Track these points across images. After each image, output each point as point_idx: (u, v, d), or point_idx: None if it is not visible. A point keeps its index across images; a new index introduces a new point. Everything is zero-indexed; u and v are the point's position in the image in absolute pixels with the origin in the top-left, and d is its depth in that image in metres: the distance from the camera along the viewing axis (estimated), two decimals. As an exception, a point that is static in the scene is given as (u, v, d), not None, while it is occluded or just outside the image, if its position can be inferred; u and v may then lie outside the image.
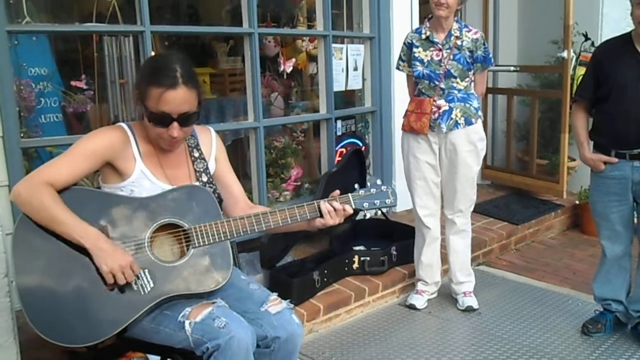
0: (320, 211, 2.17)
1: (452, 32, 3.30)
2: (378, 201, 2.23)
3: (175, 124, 2.00)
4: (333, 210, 2.17)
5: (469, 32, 3.32)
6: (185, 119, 2.02)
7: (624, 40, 2.95)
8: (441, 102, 3.30)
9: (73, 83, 3.77)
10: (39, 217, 1.93)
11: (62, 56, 4.28)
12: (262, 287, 2.23)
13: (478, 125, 3.35)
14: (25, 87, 3.45)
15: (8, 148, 2.84)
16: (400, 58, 3.49)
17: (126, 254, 1.94)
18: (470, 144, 3.33)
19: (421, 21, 3.53)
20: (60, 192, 1.97)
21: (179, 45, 5.63)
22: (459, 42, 3.29)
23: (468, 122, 3.30)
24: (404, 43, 3.44)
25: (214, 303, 1.98)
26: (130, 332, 1.99)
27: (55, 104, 3.78)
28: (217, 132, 2.39)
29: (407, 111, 3.44)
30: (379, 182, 2.27)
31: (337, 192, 2.21)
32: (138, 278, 1.96)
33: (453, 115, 3.28)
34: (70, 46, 4.47)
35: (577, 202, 4.98)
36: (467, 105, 3.32)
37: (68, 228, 1.91)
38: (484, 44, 3.33)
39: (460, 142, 3.31)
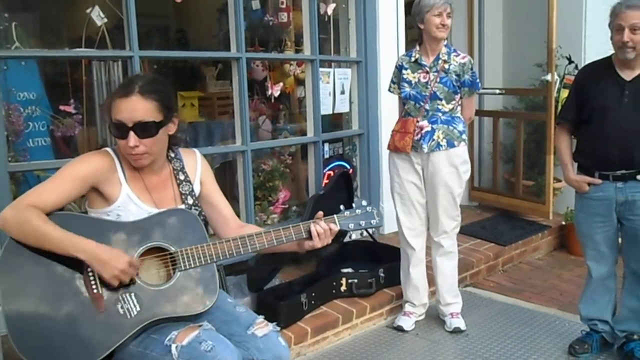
0: (305, 232, 2.18)
1: (441, 55, 3.36)
2: (363, 222, 2.25)
3: (131, 133, 2.02)
4: (322, 232, 2.18)
5: (457, 56, 3.38)
6: (141, 129, 2.03)
7: (606, 63, 3.02)
8: (424, 123, 3.35)
9: (61, 107, 3.79)
10: (29, 239, 1.94)
11: (51, 80, 4.30)
12: (248, 310, 2.23)
13: (461, 148, 3.38)
14: (13, 111, 3.47)
15: (-5, 172, 2.84)
16: (391, 80, 3.56)
17: (122, 254, 1.95)
18: (452, 166, 3.37)
19: (407, 45, 3.58)
20: (46, 216, 1.98)
21: (167, 68, 5.67)
22: (446, 66, 3.34)
23: (450, 145, 3.34)
24: (396, 66, 3.52)
25: (200, 326, 1.99)
26: (117, 356, 1.99)
27: (44, 128, 3.80)
28: (206, 155, 2.41)
29: (392, 131, 3.51)
30: (364, 202, 2.29)
31: (321, 213, 2.22)
32: (124, 301, 1.97)
33: (435, 137, 3.33)
34: (59, 71, 4.49)
35: (564, 222, 5.01)
36: (451, 128, 3.36)
37: (60, 243, 1.92)
38: (471, 69, 3.39)
39: (441, 164, 3.35)
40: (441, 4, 3.25)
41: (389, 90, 3.62)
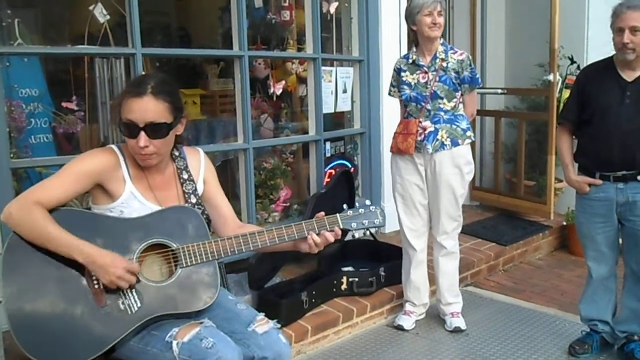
0: (307, 231, 2.18)
1: (438, 54, 3.36)
2: (366, 221, 2.25)
3: (142, 133, 2.02)
4: (319, 242, 2.17)
5: (454, 53, 3.38)
6: (152, 130, 2.03)
7: (607, 64, 3.01)
8: (427, 123, 3.35)
9: (64, 104, 3.79)
10: (32, 236, 1.95)
11: (53, 77, 4.30)
12: (249, 307, 2.24)
13: (464, 147, 3.38)
14: (15, 108, 3.47)
15: (-3, 168, 2.85)
16: (391, 84, 3.57)
17: (121, 260, 1.96)
18: (455, 167, 3.37)
19: (410, 45, 3.59)
20: (50, 212, 1.99)
21: (169, 66, 5.67)
22: (444, 64, 3.34)
23: (454, 144, 3.34)
24: (394, 69, 3.52)
25: (201, 323, 1.99)
26: (118, 352, 2.00)
27: (46, 125, 3.80)
28: (207, 153, 2.42)
29: (395, 133, 3.50)
30: (367, 202, 2.30)
31: (322, 213, 2.22)
32: (125, 297, 1.97)
33: (439, 137, 3.33)
34: (62, 67, 4.50)
35: (565, 223, 5.02)
36: (454, 126, 3.36)
37: (61, 245, 1.94)
38: (470, 65, 3.39)
39: (445, 165, 3.35)
40: (430, 3, 3.25)
41: (390, 94, 3.62)
